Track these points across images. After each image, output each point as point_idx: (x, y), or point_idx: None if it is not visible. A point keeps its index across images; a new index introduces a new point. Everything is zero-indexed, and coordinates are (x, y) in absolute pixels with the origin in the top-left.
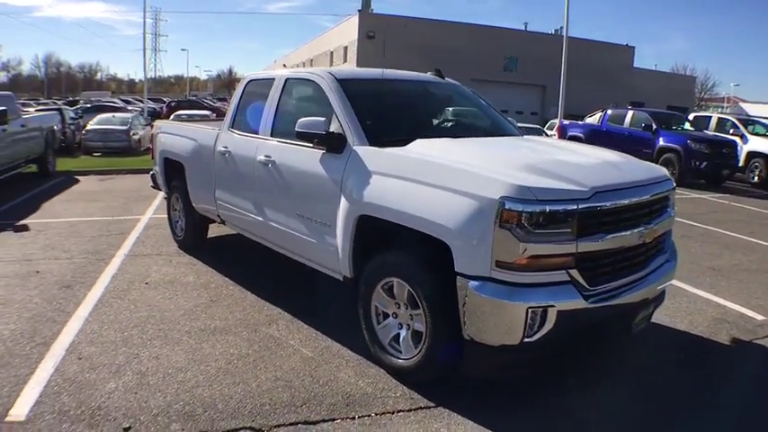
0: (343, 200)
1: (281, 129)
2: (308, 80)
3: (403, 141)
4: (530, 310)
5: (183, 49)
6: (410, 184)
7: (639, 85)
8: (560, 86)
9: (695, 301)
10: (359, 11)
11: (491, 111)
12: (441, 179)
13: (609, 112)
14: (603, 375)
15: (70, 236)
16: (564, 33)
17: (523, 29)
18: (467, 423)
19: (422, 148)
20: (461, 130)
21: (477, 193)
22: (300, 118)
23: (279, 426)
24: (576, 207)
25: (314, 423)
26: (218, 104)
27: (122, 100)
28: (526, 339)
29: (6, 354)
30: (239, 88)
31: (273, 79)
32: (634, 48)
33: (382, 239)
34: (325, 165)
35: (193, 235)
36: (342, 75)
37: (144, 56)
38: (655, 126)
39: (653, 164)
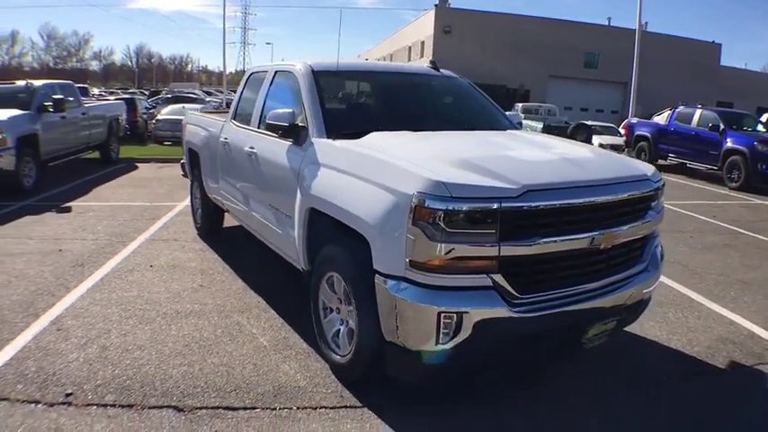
0: (298, 192)
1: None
2: (289, 72)
3: (359, 134)
4: (442, 315)
5: (267, 43)
6: (345, 177)
7: (728, 83)
8: (632, 83)
9: (706, 316)
10: (435, 5)
11: (482, 104)
12: (369, 173)
13: (677, 110)
14: (556, 389)
15: (104, 219)
16: (636, 27)
17: (606, 24)
18: (381, 426)
19: (371, 140)
20: (431, 122)
21: (396, 188)
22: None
23: (200, 408)
24: (497, 206)
25: (234, 409)
26: None
27: (204, 91)
28: (441, 346)
29: None
30: (242, 81)
31: (266, 72)
32: (720, 45)
33: (330, 233)
34: (288, 156)
35: (208, 223)
36: (319, 66)
37: (223, 49)
38: (722, 126)
39: (637, 162)
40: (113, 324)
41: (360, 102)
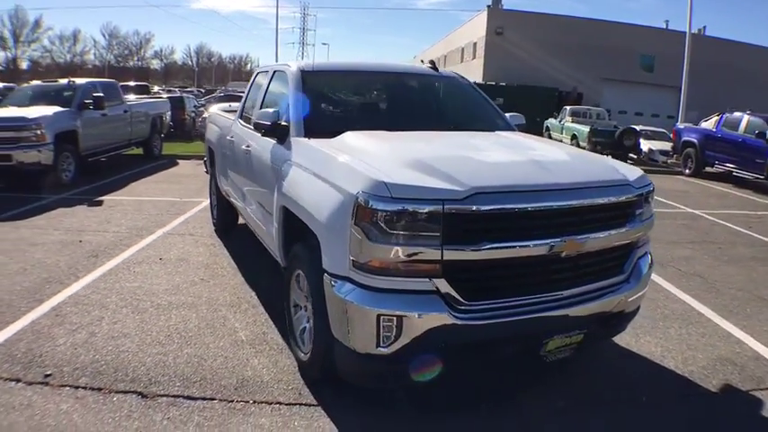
0: (276, 189)
1: None
2: (283, 72)
3: (335, 134)
4: (381, 318)
5: (323, 44)
6: (308, 176)
7: None
8: (682, 87)
9: (712, 334)
10: (488, 6)
11: (475, 105)
12: (327, 172)
13: (725, 116)
14: (517, 406)
15: (131, 213)
16: (687, 31)
17: (664, 27)
18: (329, 426)
19: (341, 140)
20: (414, 122)
21: (344, 188)
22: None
23: (162, 395)
24: (440, 208)
25: (192, 399)
26: None
27: None
28: (382, 349)
29: (4, 305)
30: (250, 80)
31: (267, 71)
32: None
33: (299, 231)
34: (272, 155)
35: (222, 219)
36: (309, 67)
37: (276, 48)
38: None
39: (621, 165)
40: (108, 312)
41: (345, 101)
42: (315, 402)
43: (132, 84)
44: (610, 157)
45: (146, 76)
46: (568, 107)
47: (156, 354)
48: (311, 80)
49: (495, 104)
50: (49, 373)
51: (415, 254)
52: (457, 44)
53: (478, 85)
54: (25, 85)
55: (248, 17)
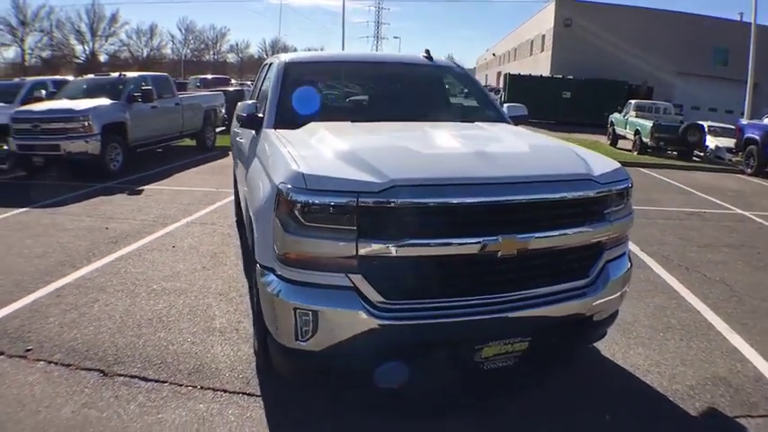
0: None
1: None
2: (273, 63)
3: (300, 125)
4: (297, 312)
5: (395, 37)
6: (259, 167)
7: None
8: (748, 81)
9: (715, 349)
10: None
11: (466, 96)
12: (269, 163)
13: None
14: (455, 420)
15: (165, 202)
16: (752, 21)
17: (738, 19)
18: (261, 417)
19: (301, 131)
20: (388, 112)
21: (272, 178)
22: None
23: (120, 375)
24: (354, 201)
25: (146, 380)
26: None
27: None
28: (301, 344)
29: (13, 284)
30: (259, 71)
31: (267, 64)
32: None
33: None
34: (249, 145)
35: (239, 209)
36: (293, 58)
37: (342, 42)
38: None
39: (591, 159)
40: (104, 295)
41: (323, 92)
42: (258, 393)
43: (210, 77)
44: (675, 153)
45: (222, 70)
46: (633, 101)
47: (131, 336)
48: (294, 71)
49: (490, 95)
50: (29, 348)
51: (331, 247)
52: (526, 36)
53: (545, 78)
54: (79, 78)
55: (325, 11)
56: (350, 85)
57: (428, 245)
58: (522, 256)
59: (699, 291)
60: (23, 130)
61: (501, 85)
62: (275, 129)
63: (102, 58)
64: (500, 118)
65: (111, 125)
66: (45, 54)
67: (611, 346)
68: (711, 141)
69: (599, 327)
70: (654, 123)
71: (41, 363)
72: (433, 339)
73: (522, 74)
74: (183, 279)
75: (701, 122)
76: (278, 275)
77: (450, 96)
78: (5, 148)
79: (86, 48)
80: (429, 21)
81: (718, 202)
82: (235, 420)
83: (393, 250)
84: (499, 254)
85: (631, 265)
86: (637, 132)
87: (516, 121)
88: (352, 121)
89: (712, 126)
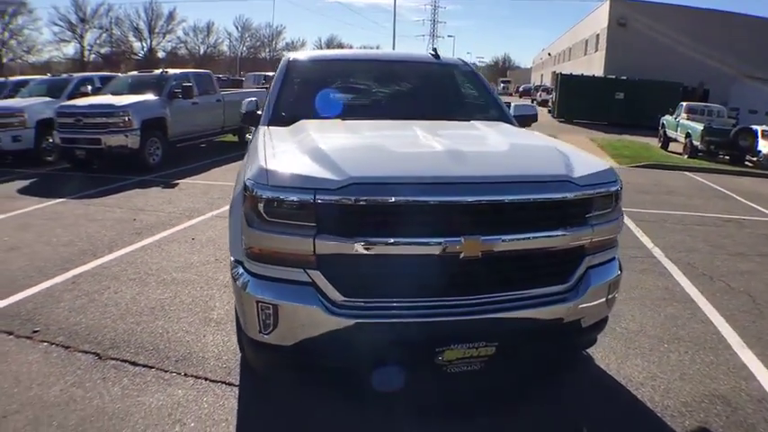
0: None
1: None
2: (281, 59)
3: (292, 122)
4: (259, 305)
5: (449, 36)
6: (243, 163)
7: None
8: None
9: (722, 364)
10: None
11: (468, 94)
12: (247, 159)
13: None
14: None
15: (196, 195)
16: None
17: None
18: (234, 406)
19: (290, 128)
20: (383, 110)
21: (245, 174)
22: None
23: (113, 359)
24: (311, 198)
25: (134, 364)
26: None
27: None
28: (264, 337)
29: (36, 270)
30: None
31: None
32: None
33: None
34: (249, 141)
35: None
36: (297, 56)
37: (393, 41)
38: None
39: (578, 158)
40: (116, 283)
41: (324, 90)
42: (236, 383)
43: (271, 74)
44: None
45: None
46: (684, 103)
47: (132, 322)
48: (297, 69)
49: (495, 93)
50: (37, 329)
51: (290, 243)
52: (581, 36)
53: (598, 78)
54: (123, 74)
55: (381, 9)
56: (352, 83)
57: (386, 244)
58: (489, 258)
59: (718, 301)
60: (67, 124)
61: (553, 85)
62: (269, 126)
63: (161, 54)
64: (501, 117)
65: (150, 120)
66: (104, 50)
67: (607, 356)
68: (765, 146)
69: (586, 333)
70: (704, 126)
71: (44, 344)
72: (392, 340)
73: (574, 74)
74: (194, 270)
75: (754, 126)
76: (245, 269)
77: (463, 94)
78: (51, 140)
79: (144, 44)
80: (486, 19)
81: (761, 209)
82: (207, 408)
83: (351, 248)
84: (461, 255)
85: (621, 271)
86: (687, 135)
87: (525, 120)
88: (344, 119)
89: (767, 130)
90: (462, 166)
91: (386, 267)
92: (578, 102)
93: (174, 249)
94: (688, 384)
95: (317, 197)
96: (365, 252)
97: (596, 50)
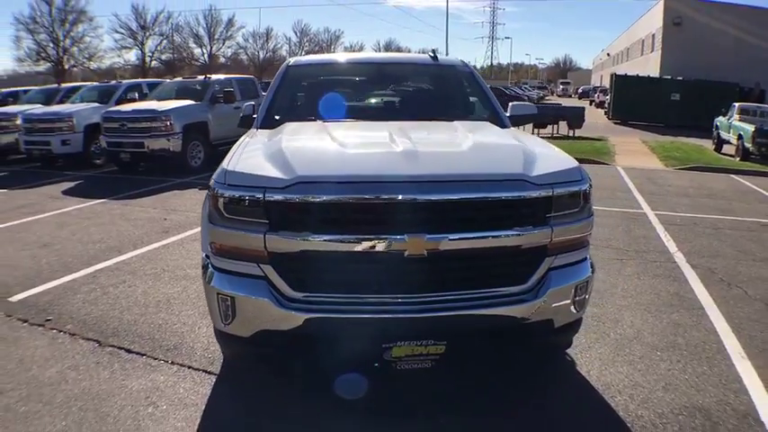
0: None
1: None
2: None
3: (279, 125)
4: (219, 297)
5: (506, 38)
6: None
7: None
8: None
9: (714, 375)
10: None
11: (461, 95)
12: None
13: None
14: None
15: None
16: None
17: None
18: (208, 393)
19: (273, 131)
20: (369, 113)
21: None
22: None
23: (111, 345)
24: (261, 196)
25: (129, 352)
26: (527, 93)
27: None
28: (224, 327)
29: (62, 265)
30: None
31: None
32: None
33: None
34: None
35: None
36: (297, 61)
37: (446, 43)
38: None
39: (545, 156)
40: (132, 278)
41: (314, 93)
42: (216, 372)
43: None
44: None
45: None
46: (737, 104)
47: (137, 314)
48: (294, 73)
49: (490, 93)
50: (49, 318)
51: (244, 239)
52: (637, 36)
53: (653, 79)
54: (169, 80)
55: (440, 12)
56: (346, 86)
57: (331, 241)
58: (436, 257)
59: (730, 309)
60: (112, 129)
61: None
62: (259, 129)
63: (222, 60)
64: (492, 117)
65: (192, 125)
66: (165, 57)
67: (591, 362)
68: None
69: (560, 334)
70: (755, 128)
71: (53, 331)
72: (339, 334)
73: (628, 74)
74: None
75: None
76: (210, 263)
77: (455, 95)
78: (98, 144)
79: (204, 51)
80: (545, 20)
81: None
82: (182, 393)
83: (298, 244)
84: (406, 253)
85: (593, 271)
86: (740, 137)
87: (523, 120)
88: (326, 121)
89: None
90: (413, 165)
91: (333, 264)
92: (633, 103)
93: (195, 247)
94: (670, 395)
95: (267, 195)
96: (311, 248)
97: (652, 50)
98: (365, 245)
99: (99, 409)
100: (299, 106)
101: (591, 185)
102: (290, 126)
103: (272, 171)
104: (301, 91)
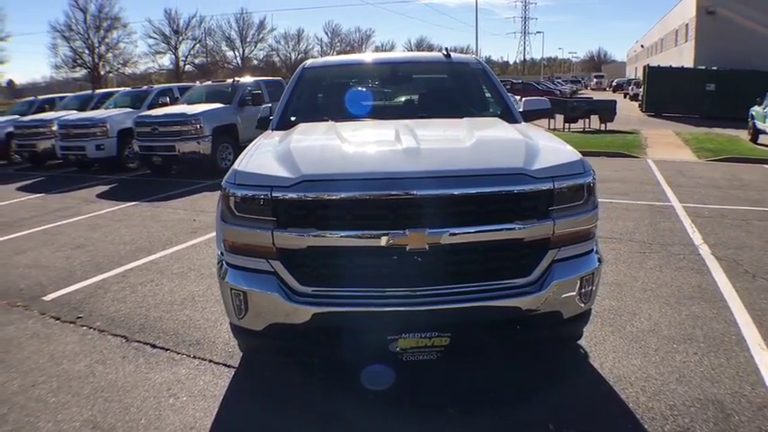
0: None
1: None
2: None
3: (289, 125)
4: (232, 292)
5: (538, 32)
6: None
7: None
8: None
9: (731, 367)
10: None
11: (473, 92)
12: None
13: None
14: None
15: None
16: None
17: None
18: (225, 386)
19: (286, 131)
20: (384, 112)
21: None
22: None
23: (137, 341)
24: (268, 195)
25: (154, 346)
26: (559, 87)
27: None
28: (238, 321)
29: (93, 266)
30: None
31: None
32: None
33: None
34: None
35: None
36: (312, 63)
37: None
38: None
39: (547, 148)
40: (159, 277)
41: (332, 95)
42: (235, 365)
43: None
44: None
45: None
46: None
47: (163, 311)
48: (309, 75)
49: (502, 90)
50: (80, 315)
51: (254, 235)
52: (671, 26)
53: (687, 69)
54: (199, 84)
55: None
56: (359, 86)
57: (336, 236)
58: (438, 251)
59: (752, 300)
60: (144, 133)
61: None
62: (274, 130)
63: (254, 62)
64: (504, 113)
65: (221, 127)
66: (198, 60)
67: (605, 354)
68: None
69: (569, 325)
70: None
71: (84, 328)
72: (346, 325)
73: (662, 65)
74: None
75: None
76: (224, 260)
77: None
78: (132, 148)
79: (237, 53)
80: (578, 13)
81: None
82: (202, 385)
83: (304, 240)
84: (408, 248)
85: (600, 263)
86: None
87: (536, 114)
88: (338, 121)
89: None
90: (414, 162)
91: (338, 259)
92: (667, 95)
93: None
94: (683, 387)
95: (274, 193)
96: (317, 243)
97: (686, 41)
98: (367, 240)
99: (123, 400)
100: (314, 107)
101: (594, 178)
102: (301, 126)
103: (278, 170)
104: (316, 92)
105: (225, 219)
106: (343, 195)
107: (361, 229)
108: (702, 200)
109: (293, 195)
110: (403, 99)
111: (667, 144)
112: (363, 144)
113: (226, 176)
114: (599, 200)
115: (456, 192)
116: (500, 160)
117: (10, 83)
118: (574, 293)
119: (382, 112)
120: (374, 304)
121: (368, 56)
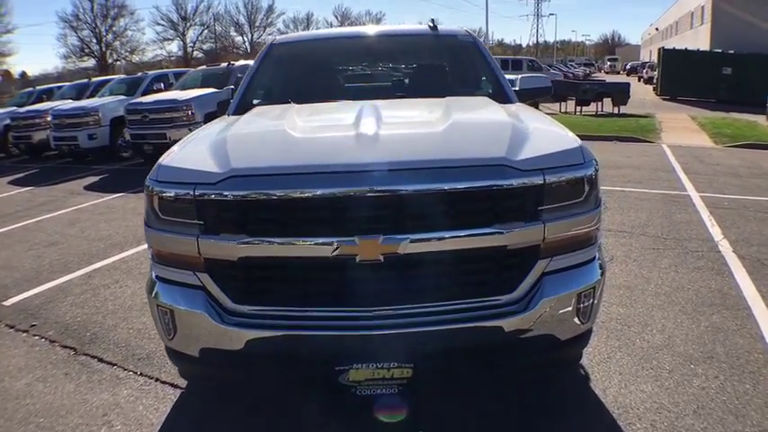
0: None
1: None
2: None
3: (248, 110)
4: (160, 308)
5: (550, 14)
6: None
7: None
8: None
9: (758, 394)
10: None
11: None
12: None
13: None
14: None
15: None
16: None
17: None
18: (168, 407)
19: (237, 117)
20: (355, 90)
21: None
22: None
23: (86, 354)
24: (191, 192)
25: (101, 360)
26: (572, 70)
27: None
28: (169, 343)
29: (61, 265)
30: None
31: None
32: None
33: None
34: None
35: None
36: (284, 39)
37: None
38: None
39: (539, 134)
40: (125, 277)
41: (293, 73)
42: (181, 387)
43: None
44: None
45: None
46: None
47: (119, 318)
48: (276, 53)
49: (494, 66)
50: (34, 324)
51: (178, 243)
52: (687, 8)
53: (702, 53)
54: (193, 69)
55: None
56: (336, 63)
57: (270, 244)
58: (396, 262)
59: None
60: (135, 121)
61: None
62: (231, 114)
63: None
64: (496, 91)
65: (215, 113)
66: (206, 47)
67: (609, 377)
68: None
69: (566, 348)
70: None
71: (35, 338)
72: (285, 354)
73: (677, 48)
74: None
75: None
76: (152, 271)
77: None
78: (124, 137)
79: (245, 39)
80: None
81: None
82: (141, 410)
83: (234, 249)
84: (357, 259)
85: (603, 274)
86: None
87: (534, 94)
88: (301, 103)
89: None
90: (369, 151)
91: (275, 271)
92: (683, 78)
93: None
94: (702, 422)
95: (197, 192)
96: (251, 254)
97: (702, 23)
98: (309, 250)
99: (54, 427)
100: (280, 89)
101: (597, 170)
102: (255, 110)
103: (206, 164)
104: (285, 72)
105: (149, 223)
106: (277, 193)
107: (299, 236)
108: (721, 189)
109: (220, 194)
110: (381, 77)
111: (683, 129)
112: (313, 130)
113: (151, 173)
114: (610, 188)
115: (418, 188)
116: (476, 149)
117: (22, 74)
118: (570, 311)
119: (356, 93)
120: (317, 327)
121: (345, 30)
